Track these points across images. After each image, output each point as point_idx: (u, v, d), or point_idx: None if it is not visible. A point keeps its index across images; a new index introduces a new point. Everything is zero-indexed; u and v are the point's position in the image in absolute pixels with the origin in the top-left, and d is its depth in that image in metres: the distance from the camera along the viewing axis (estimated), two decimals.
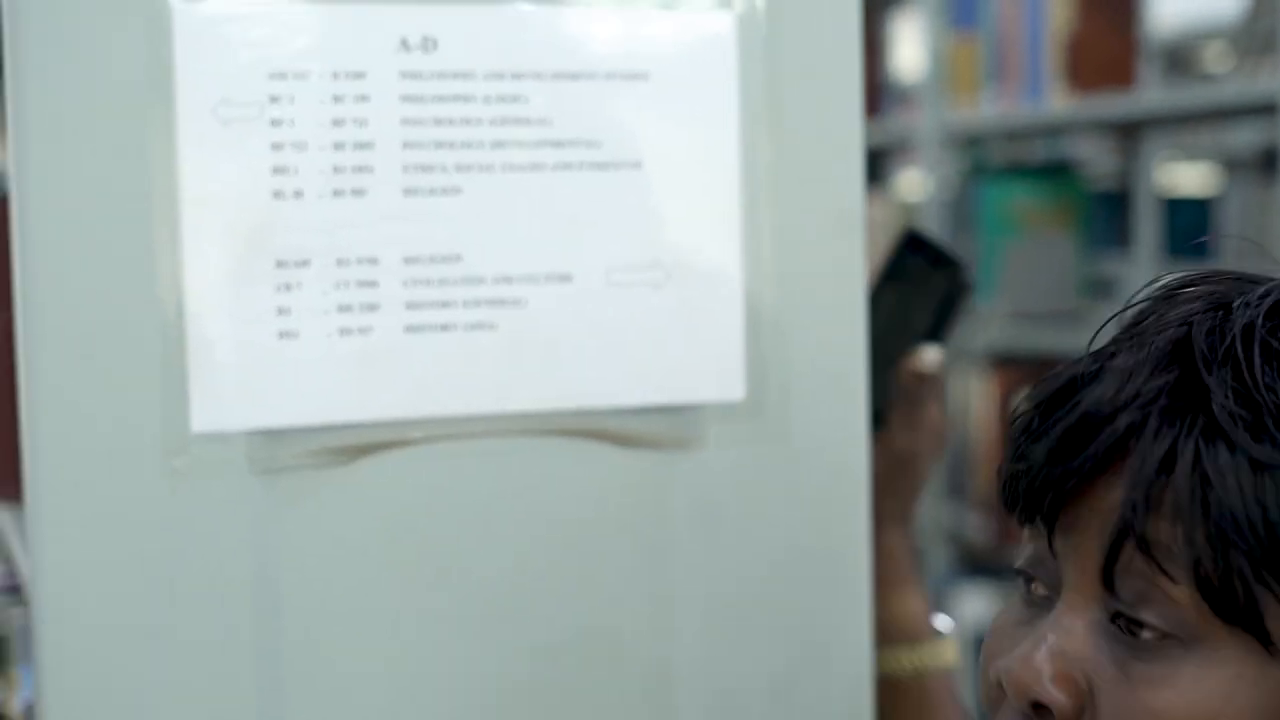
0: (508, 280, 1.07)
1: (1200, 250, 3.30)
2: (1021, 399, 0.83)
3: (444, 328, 1.06)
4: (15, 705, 1.35)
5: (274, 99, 1.02)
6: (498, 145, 1.06)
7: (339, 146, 1.03)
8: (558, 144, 1.07)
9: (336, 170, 1.03)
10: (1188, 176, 3.69)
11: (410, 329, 1.05)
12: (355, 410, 1.05)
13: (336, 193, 1.04)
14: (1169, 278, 0.81)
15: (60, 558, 1.00)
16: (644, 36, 1.08)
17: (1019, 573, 0.85)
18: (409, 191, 1.05)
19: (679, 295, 1.10)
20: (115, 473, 1.01)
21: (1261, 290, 0.77)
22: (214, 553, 1.02)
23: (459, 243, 1.06)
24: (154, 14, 0.99)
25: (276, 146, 1.02)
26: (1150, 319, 0.79)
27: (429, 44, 1.05)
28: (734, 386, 1.12)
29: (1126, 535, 0.75)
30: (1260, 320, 0.75)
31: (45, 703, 1.01)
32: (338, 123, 1.03)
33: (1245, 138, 3.45)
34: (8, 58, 1.00)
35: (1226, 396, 0.73)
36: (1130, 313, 0.81)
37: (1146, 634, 0.76)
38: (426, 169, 1.05)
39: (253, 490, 1.03)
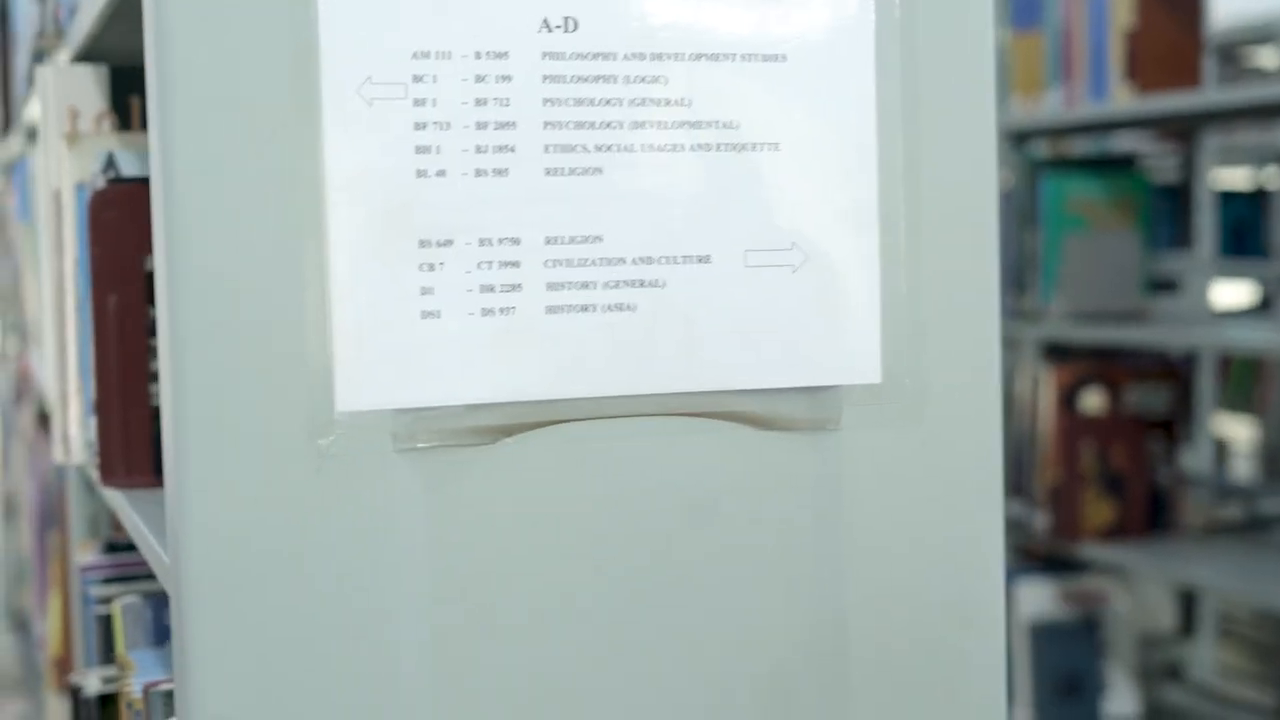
0: (647, 261, 1.07)
1: (1257, 247, 3.29)
2: None
3: (584, 308, 1.06)
4: (133, 688, 1.35)
5: (417, 78, 1.02)
6: (637, 126, 1.06)
7: (481, 126, 1.03)
8: (696, 125, 1.07)
9: (479, 150, 1.03)
10: (1243, 174, 3.68)
11: (551, 309, 1.05)
12: (497, 390, 1.05)
13: (479, 172, 1.03)
14: None
15: (208, 539, 1.00)
16: (782, 18, 1.08)
17: None
18: (550, 171, 1.05)
19: (816, 278, 1.10)
20: (262, 454, 1.00)
21: None
22: (358, 532, 1.02)
23: (599, 223, 1.06)
24: None
25: (420, 126, 1.02)
26: None
27: (570, 24, 1.04)
28: (870, 370, 1.12)
29: None
30: None
31: (194, 683, 1.00)
32: (480, 102, 1.03)
33: None
34: (153, 42, 1.00)
35: None
36: None
37: None
38: (568, 149, 1.05)
39: (397, 469, 1.03)
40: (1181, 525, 3.17)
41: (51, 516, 2.44)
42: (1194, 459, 3.43)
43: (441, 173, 1.02)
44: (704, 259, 1.08)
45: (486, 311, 1.04)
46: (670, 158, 1.07)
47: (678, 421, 1.08)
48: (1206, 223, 3.16)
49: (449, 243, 1.03)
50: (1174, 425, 3.21)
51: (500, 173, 1.04)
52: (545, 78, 1.04)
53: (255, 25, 0.99)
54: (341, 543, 1.02)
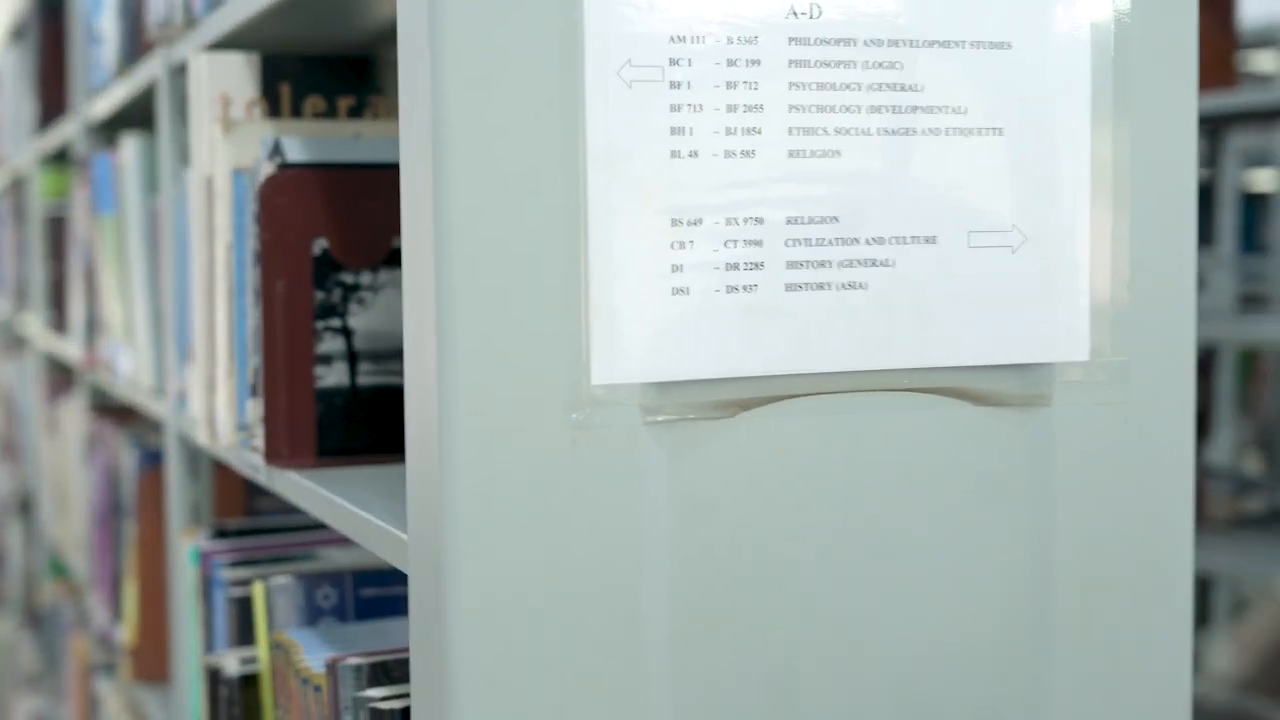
0: (879, 241, 1.11)
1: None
2: None
3: (820, 286, 1.09)
4: (307, 663, 1.37)
5: (673, 62, 1.05)
6: (874, 110, 1.10)
7: (731, 109, 1.07)
8: (929, 110, 1.11)
9: (729, 132, 1.07)
10: (1266, 175, 3.76)
11: (790, 287, 1.09)
12: (739, 365, 1.08)
13: (728, 153, 1.07)
14: None
15: (468, 512, 1.02)
16: (1008, 8, 1.12)
17: None
18: (793, 154, 1.08)
19: (1033, 258, 1.14)
20: (521, 427, 1.03)
21: None
22: (608, 503, 1.05)
23: (837, 204, 1.09)
24: None
25: (674, 108, 1.05)
26: None
27: (815, 11, 1.08)
28: (1080, 347, 1.16)
29: None
30: None
31: (455, 653, 1.03)
32: (731, 85, 1.07)
33: None
34: (418, 25, 1.02)
35: None
36: None
37: None
38: (810, 132, 1.09)
39: (644, 441, 1.06)
40: (1204, 518, 3.23)
41: (120, 507, 2.45)
42: (1216, 453, 3.50)
43: (694, 153, 1.06)
44: (931, 239, 1.12)
45: (731, 289, 1.07)
46: (902, 141, 1.11)
47: (903, 397, 1.12)
48: (1228, 220, 3.23)
49: (698, 222, 1.06)
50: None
51: (748, 154, 1.07)
52: (791, 62, 1.08)
53: (525, 9, 1.02)
54: (592, 512, 1.05)
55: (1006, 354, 1.14)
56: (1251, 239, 3.27)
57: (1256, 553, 3.13)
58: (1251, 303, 3.56)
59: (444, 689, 1.04)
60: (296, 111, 1.60)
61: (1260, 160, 3.65)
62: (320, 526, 1.76)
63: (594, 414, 1.05)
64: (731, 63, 1.06)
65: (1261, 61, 3.51)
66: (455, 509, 1.03)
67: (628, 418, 1.06)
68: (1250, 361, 3.96)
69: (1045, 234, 1.14)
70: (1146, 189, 1.17)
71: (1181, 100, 1.18)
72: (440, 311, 1.02)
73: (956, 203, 1.12)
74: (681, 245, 1.06)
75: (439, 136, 1.02)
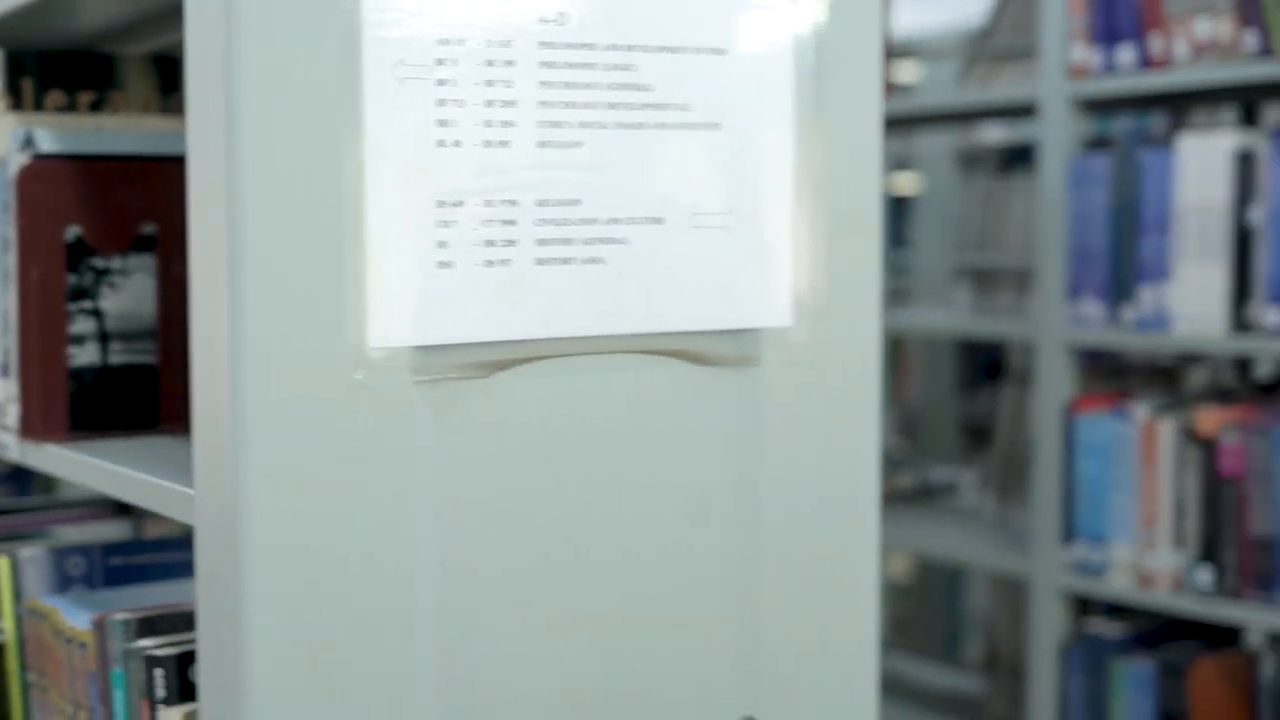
0: (616, 221, 1.27)
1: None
2: None
3: (565, 261, 1.25)
4: (72, 624, 1.46)
5: (440, 62, 1.19)
6: (612, 106, 1.26)
7: (490, 104, 1.21)
8: (657, 107, 1.28)
9: (487, 124, 1.21)
10: (907, 178, 4.07)
11: (540, 262, 1.24)
12: (496, 330, 1.23)
13: (487, 143, 1.21)
14: None
15: (261, 465, 1.14)
16: (725, 18, 1.29)
17: None
18: (542, 144, 1.23)
19: (745, 238, 1.32)
20: (308, 387, 1.16)
21: None
22: (384, 452, 1.19)
23: (579, 189, 1.25)
24: None
25: (441, 103, 1.19)
26: None
27: (562, 18, 1.23)
28: (784, 315, 1.34)
29: None
30: None
31: (248, 598, 1.15)
32: (490, 83, 1.21)
33: (946, 140, 3.83)
34: (209, 28, 1.14)
35: None
36: None
37: None
38: (557, 125, 1.24)
39: (414, 399, 1.20)
40: None
41: None
42: None
43: (457, 143, 1.20)
44: (659, 220, 1.28)
45: (489, 263, 1.22)
46: (636, 134, 1.27)
47: (636, 358, 1.28)
48: None
49: (461, 204, 1.21)
50: None
51: (504, 144, 1.22)
52: (541, 64, 1.23)
53: (309, 16, 1.14)
54: (371, 461, 1.18)
55: (723, 320, 1.31)
56: (894, 237, 3.55)
57: (908, 525, 3.42)
58: (895, 296, 3.86)
59: (236, 631, 1.15)
60: (39, 106, 1.68)
61: (901, 164, 3.96)
62: (51, 507, 1.83)
63: (371, 375, 1.18)
64: (490, 63, 1.21)
65: (901, 72, 3.81)
66: (247, 463, 1.14)
67: (399, 377, 1.19)
68: (894, 350, 4.27)
69: (755, 216, 1.32)
70: (838, 180, 1.35)
71: (868, 106, 1.37)
72: (231, 286, 1.14)
73: (681, 188, 1.29)
74: (446, 225, 1.20)
75: (230, 129, 1.13)
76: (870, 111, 1.37)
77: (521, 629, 1.25)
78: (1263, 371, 3.22)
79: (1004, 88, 3.21)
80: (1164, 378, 3.15)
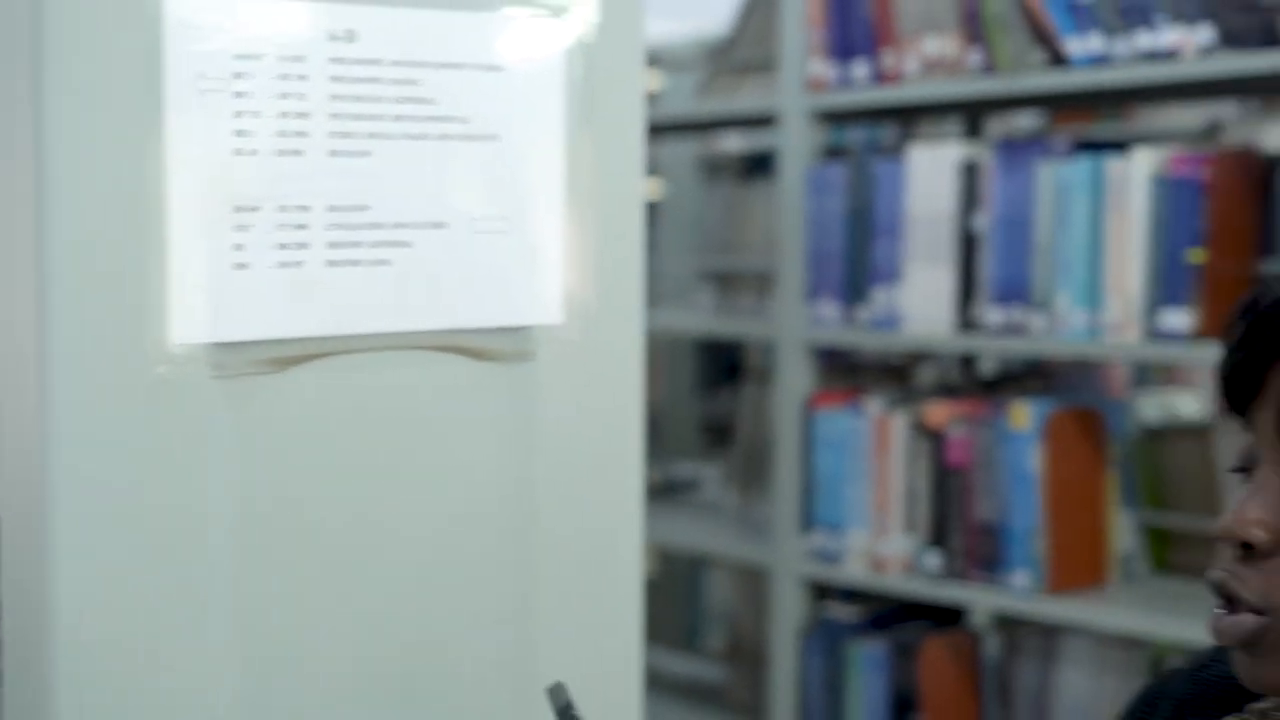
0: (401, 226, 1.35)
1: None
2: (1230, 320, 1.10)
3: (354, 263, 1.33)
4: None
5: (238, 75, 1.27)
6: (397, 119, 1.35)
7: (284, 115, 1.29)
8: (440, 119, 1.37)
9: (281, 134, 1.29)
10: (652, 183, 4.19)
11: (330, 263, 1.32)
12: (289, 328, 1.31)
13: (281, 152, 1.29)
14: None
15: (73, 454, 1.21)
16: (502, 37, 1.39)
17: (1237, 470, 1.10)
18: (333, 153, 1.32)
19: (520, 241, 1.42)
20: (113, 382, 1.23)
21: None
22: (185, 440, 1.26)
23: (367, 195, 1.34)
24: (150, 6, 1.22)
25: (238, 114, 1.27)
26: None
27: (351, 35, 1.32)
28: (556, 313, 1.44)
29: None
30: None
31: (55, 583, 1.21)
32: (284, 95, 1.29)
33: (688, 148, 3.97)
34: (28, 43, 1.20)
35: None
36: None
37: None
38: (346, 135, 1.32)
39: (213, 393, 1.27)
40: None
41: None
42: None
43: (253, 152, 1.28)
44: (441, 225, 1.38)
45: (283, 265, 1.30)
46: (420, 144, 1.36)
47: (419, 354, 1.38)
48: None
49: (257, 208, 1.28)
50: None
51: (297, 153, 1.30)
52: (331, 78, 1.31)
53: (116, 30, 1.21)
54: (172, 451, 1.26)
55: (499, 318, 1.41)
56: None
57: (652, 520, 3.54)
58: None
59: (43, 617, 1.21)
60: None
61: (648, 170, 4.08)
62: None
63: (172, 370, 1.25)
64: (284, 77, 1.29)
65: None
66: (53, 454, 1.21)
67: (199, 372, 1.27)
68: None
69: (530, 221, 1.42)
70: (605, 188, 1.46)
71: (632, 119, 1.48)
72: (38, 286, 1.20)
73: (461, 195, 1.38)
74: (242, 228, 1.28)
75: (36, 136, 1.20)
76: (634, 124, 1.48)
77: (309, 610, 1.33)
78: (985, 368, 3.43)
79: (745, 99, 3.35)
80: (894, 375, 3.34)
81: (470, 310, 1.39)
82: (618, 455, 1.49)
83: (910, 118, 3.45)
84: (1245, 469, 1.09)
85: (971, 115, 3.29)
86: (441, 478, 1.39)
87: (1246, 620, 1.05)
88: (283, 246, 1.30)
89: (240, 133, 1.27)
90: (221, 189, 1.26)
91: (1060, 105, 3.51)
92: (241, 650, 1.29)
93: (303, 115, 1.30)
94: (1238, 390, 1.07)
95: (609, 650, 1.50)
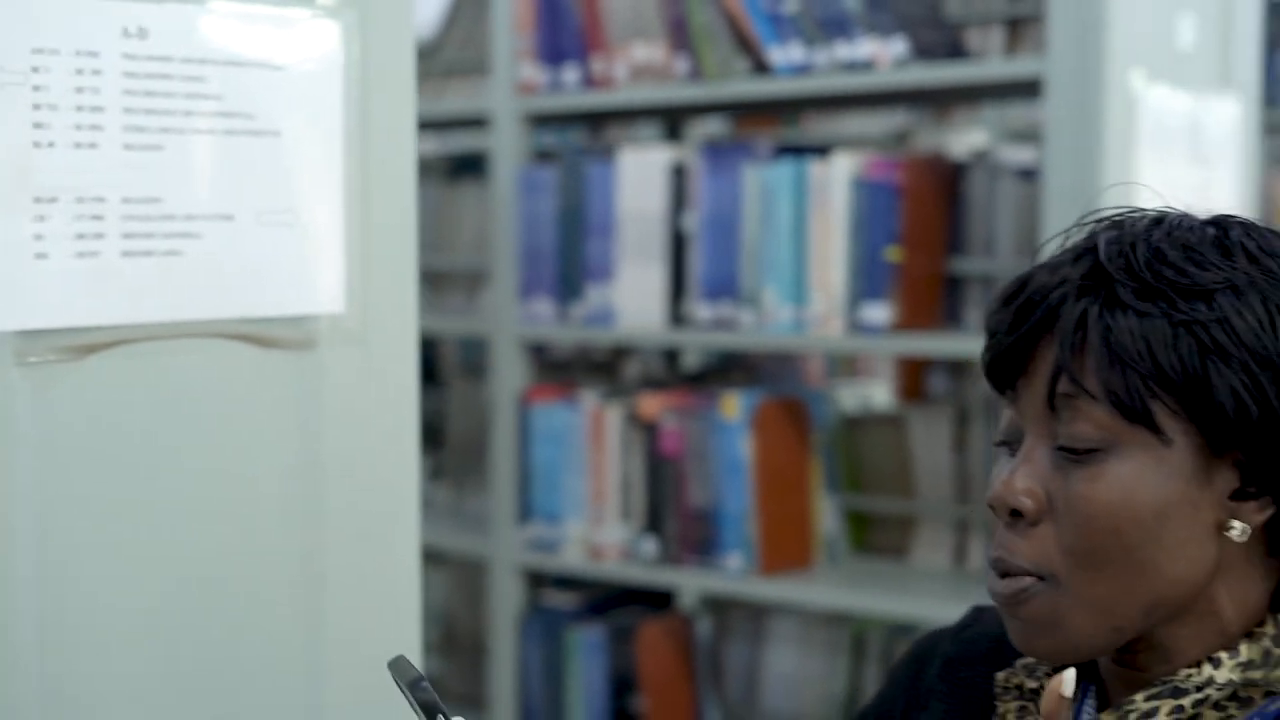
0: (192, 218, 1.40)
1: None
2: (991, 301, 1.19)
3: (148, 254, 1.37)
4: None
5: (35, 69, 1.30)
6: (187, 114, 1.39)
7: (80, 109, 1.32)
8: (227, 115, 1.41)
9: (78, 127, 1.32)
10: None
11: (125, 254, 1.36)
12: (87, 316, 1.34)
13: (78, 145, 1.32)
14: (1088, 215, 1.20)
15: None
16: (283, 36, 1.44)
17: (1000, 444, 1.19)
18: (127, 146, 1.35)
19: (303, 233, 1.47)
20: None
21: (1144, 214, 1.18)
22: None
23: (160, 188, 1.38)
24: None
25: (36, 106, 1.30)
26: (1071, 237, 1.18)
27: (143, 33, 1.36)
28: (337, 303, 1.50)
29: (1060, 372, 1.10)
30: (1142, 231, 1.15)
31: None
32: (80, 90, 1.32)
33: None
34: None
35: (1120, 276, 1.11)
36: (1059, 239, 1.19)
37: (1081, 452, 1.11)
38: (139, 129, 1.36)
39: (17, 380, 1.30)
40: None
41: None
42: None
43: (51, 144, 1.31)
44: (229, 217, 1.42)
45: (81, 255, 1.33)
46: (208, 139, 1.40)
47: (210, 342, 1.42)
48: None
49: (55, 200, 1.31)
50: None
51: (93, 145, 1.33)
52: (125, 74, 1.35)
53: None
54: None
55: (284, 307, 1.47)
56: None
57: None
58: None
59: None
60: None
61: None
62: None
63: None
64: (80, 71, 1.32)
65: None
66: None
67: (3, 360, 1.29)
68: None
69: (313, 215, 1.47)
70: (380, 185, 1.53)
71: (404, 121, 1.54)
72: None
73: (248, 188, 1.43)
74: (42, 219, 1.31)
75: None
76: (406, 121, 1.55)
77: (111, 592, 1.36)
78: (688, 362, 3.57)
79: (454, 101, 3.43)
80: (601, 370, 3.45)
81: (257, 299, 1.44)
82: (396, 437, 1.56)
83: (620, 120, 3.57)
84: (1008, 443, 1.18)
85: (669, 120, 3.43)
86: (232, 460, 1.43)
87: (1023, 580, 1.13)
88: (80, 237, 1.33)
89: (38, 125, 1.30)
90: (21, 181, 1.29)
91: (750, 111, 3.68)
92: (47, 635, 1.31)
93: (98, 109, 1.33)
94: (1004, 370, 1.17)
95: (390, 620, 1.56)
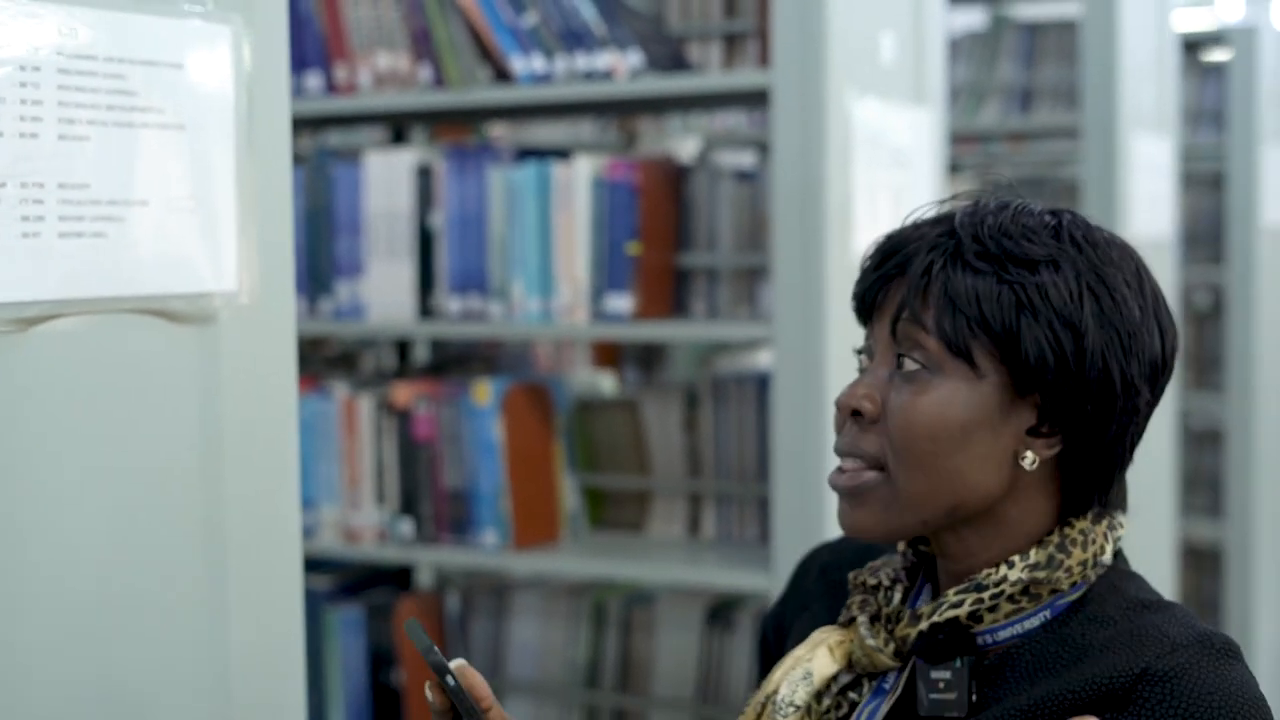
0: (114, 203, 1.54)
1: None
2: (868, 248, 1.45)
3: (79, 235, 1.51)
4: None
5: None
6: (110, 108, 1.53)
7: (23, 102, 1.46)
8: (142, 110, 1.56)
9: (21, 119, 1.46)
10: None
11: (61, 235, 1.49)
12: (29, 292, 1.47)
13: (22, 135, 1.46)
14: (958, 194, 1.47)
15: None
16: (183, 37, 1.59)
17: (859, 352, 1.45)
18: (62, 137, 1.49)
19: (205, 218, 1.62)
20: None
21: (997, 199, 1.44)
22: None
23: (89, 175, 1.51)
24: None
25: None
26: (939, 207, 1.45)
27: (74, 34, 1.50)
28: (232, 281, 1.66)
29: (904, 306, 1.38)
30: (993, 210, 1.42)
31: None
32: (23, 85, 1.46)
33: None
34: None
35: (967, 240, 1.38)
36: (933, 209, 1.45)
37: (911, 372, 1.39)
38: (71, 122, 1.50)
39: None
40: None
41: None
42: None
43: (0, 134, 1.44)
44: (145, 202, 1.57)
45: (24, 235, 1.46)
46: (127, 131, 1.55)
47: (129, 317, 1.56)
48: None
49: (4, 185, 1.44)
50: None
51: (34, 136, 1.47)
52: (59, 70, 1.48)
53: None
54: None
55: (190, 285, 1.61)
56: None
57: None
58: None
59: None
60: None
61: None
62: None
63: None
64: (23, 68, 1.45)
65: None
66: None
67: None
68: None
69: (213, 200, 1.63)
70: (264, 177, 1.69)
71: (280, 120, 1.71)
72: None
73: (160, 176, 1.58)
74: None
75: None
76: (283, 118, 1.71)
77: (27, 564, 1.49)
78: (423, 354, 3.74)
79: None
80: (340, 363, 3.61)
81: (167, 277, 1.59)
82: (280, 402, 1.72)
83: (368, 124, 3.74)
84: (864, 352, 1.46)
85: (428, 123, 3.61)
86: (145, 423, 1.57)
87: (863, 473, 1.41)
88: (24, 219, 1.46)
89: None
90: None
91: (494, 118, 3.89)
92: None
93: (38, 103, 1.46)
94: (865, 302, 1.44)
95: (280, 564, 1.72)
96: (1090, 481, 1.42)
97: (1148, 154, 4.05)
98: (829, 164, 2.79)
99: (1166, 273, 4.28)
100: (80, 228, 1.50)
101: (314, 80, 3.25)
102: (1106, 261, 1.40)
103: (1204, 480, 5.17)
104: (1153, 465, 4.16)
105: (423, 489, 3.13)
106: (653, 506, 3.22)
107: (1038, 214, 1.43)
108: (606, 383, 3.55)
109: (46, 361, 1.48)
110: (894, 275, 1.42)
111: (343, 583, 3.29)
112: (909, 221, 1.45)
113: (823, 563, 1.60)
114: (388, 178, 3.17)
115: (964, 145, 5.13)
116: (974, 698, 1.39)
